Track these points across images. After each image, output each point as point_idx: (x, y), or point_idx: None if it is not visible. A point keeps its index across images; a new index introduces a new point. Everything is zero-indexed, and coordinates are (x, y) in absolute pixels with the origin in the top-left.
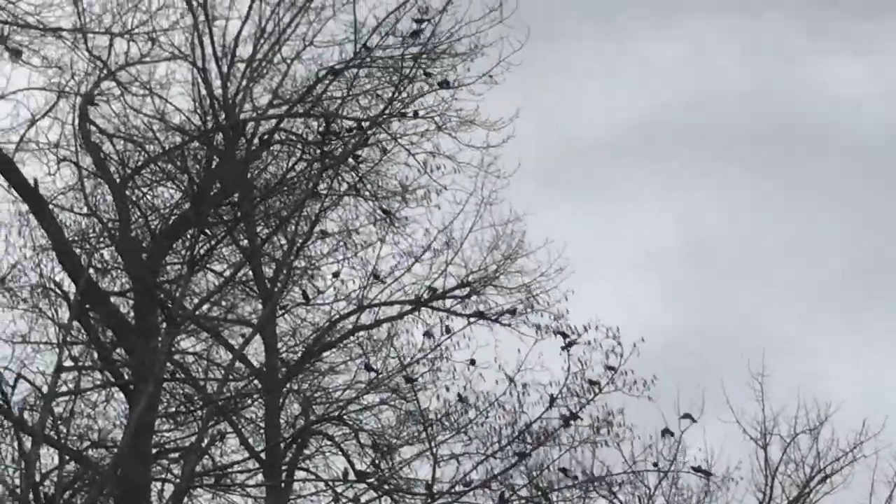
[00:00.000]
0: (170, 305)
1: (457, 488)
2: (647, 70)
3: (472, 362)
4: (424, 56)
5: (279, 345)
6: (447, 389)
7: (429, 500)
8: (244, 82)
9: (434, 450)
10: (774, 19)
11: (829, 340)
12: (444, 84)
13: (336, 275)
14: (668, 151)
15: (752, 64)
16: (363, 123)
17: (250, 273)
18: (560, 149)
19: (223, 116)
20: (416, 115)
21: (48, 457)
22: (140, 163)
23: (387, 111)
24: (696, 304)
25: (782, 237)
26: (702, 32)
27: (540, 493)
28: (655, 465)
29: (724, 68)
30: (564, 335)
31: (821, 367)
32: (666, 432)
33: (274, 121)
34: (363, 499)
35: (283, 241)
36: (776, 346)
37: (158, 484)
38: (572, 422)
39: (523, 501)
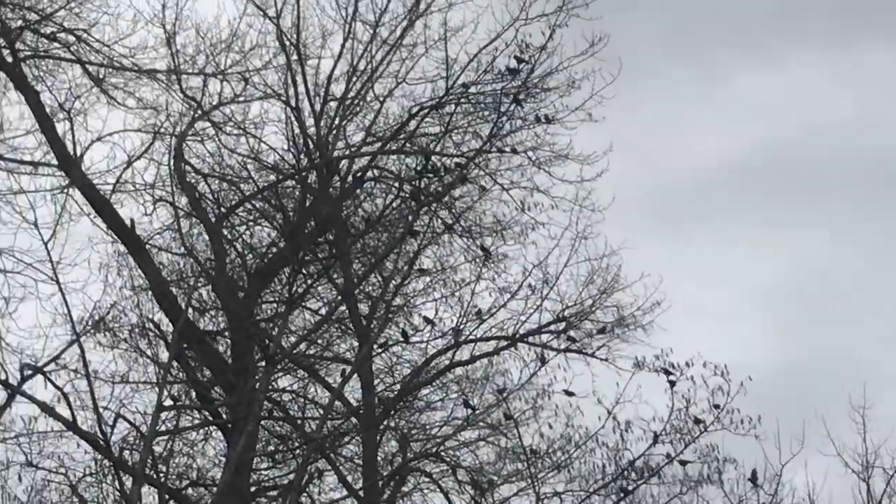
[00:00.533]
0: (267, 344)
1: None
2: (747, 105)
3: (569, 393)
4: (522, 93)
5: (376, 382)
6: (550, 427)
7: None
8: (337, 120)
9: (536, 487)
10: (876, 51)
11: None
12: (546, 119)
13: (429, 321)
14: (770, 188)
15: (855, 98)
16: (461, 161)
17: (346, 311)
18: (660, 186)
19: (317, 155)
20: (514, 150)
21: (148, 496)
22: (235, 202)
23: (484, 148)
24: (800, 340)
25: (886, 272)
26: (803, 65)
27: None
28: None
29: (826, 102)
30: (668, 372)
31: None
32: (753, 479)
33: (367, 158)
34: None
35: (380, 279)
36: (880, 380)
37: None
38: (684, 467)
39: None
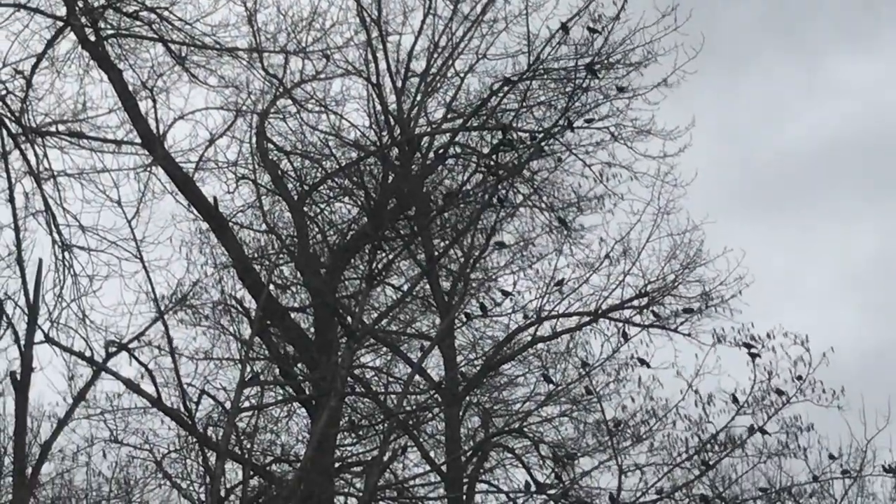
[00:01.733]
0: (349, 320)
1: (643, 498)
2: (841, 86)
3: (642, 361)
4: (597, 64)
5: (458, 358)
6: (633, 400)
7: None
8: (418, 97)
9: (620, 460)
10: None
11: None
12: (619, 89)
13: (506, 293)
14: (865, 168)
15: None
16: (538, 135)
17: (427, 287)
18: (756, 166)
19: (398, 131)
20: (589, 122)
21: (232, 472)
22: (317, 179)
23: (561, 122)
24: (893, 319)
25: None
26: None
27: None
28: (845, 472)
29: None
30: (749, 346)
31: None
32: (832, 457)
33: (449, 134)
34: None
35: (460, 254)
36: None
37: (342, 498)
38: (763, 436)
39: None
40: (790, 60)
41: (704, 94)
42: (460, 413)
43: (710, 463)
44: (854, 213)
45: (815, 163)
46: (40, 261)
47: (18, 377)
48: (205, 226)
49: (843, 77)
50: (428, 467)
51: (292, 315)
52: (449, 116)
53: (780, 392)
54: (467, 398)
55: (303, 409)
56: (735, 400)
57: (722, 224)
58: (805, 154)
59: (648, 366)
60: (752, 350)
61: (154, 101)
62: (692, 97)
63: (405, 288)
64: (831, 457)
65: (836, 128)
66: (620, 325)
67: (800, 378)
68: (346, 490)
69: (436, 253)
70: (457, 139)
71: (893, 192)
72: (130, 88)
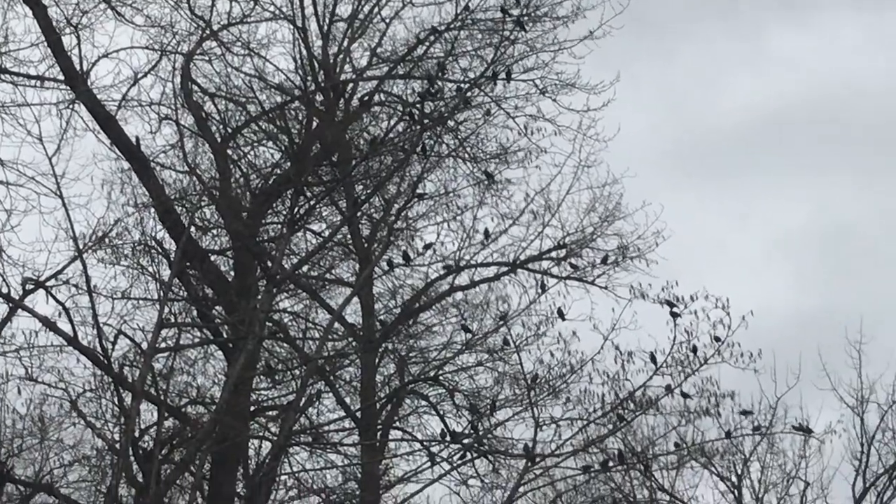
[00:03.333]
0: (269, 264)
1: (557, 452)
2: (779, 61)
3: (560, 313)
4: (526, 17)
5: (376, 305)
6: (552, 355)
7: (528, 464)
8: (345, 42)
9: (536, 413)
10: None
11: None
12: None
13: (428, 247)
14: (802, 140)
15: (888, 56)
16: (463, 86)
17: (348, 233)
18: (693, 137)
19: (323, 77)
20: (508, 75)
21: (147, 412)
22: (241, 122)
23: (487, 73)
24: (823, 285)
25: None
26: (836, 23)
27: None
28: (756, 428)
29: (859, 60)
30: (671, 304)
31: None
32: (746, 413)
33: (374, 82)
34: (459, 460)
35: (382, 202)
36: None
37: (256, 441)
38: (685, 399)
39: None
40: (730, 30)
41: (644, 62)
42: (376, 360)
43: (626, 419)
44: (788, 181)
45: (752, 132)
46: None
47: None
48: (126, 165)
49: (782, 48)
50: (343, 413)
51: (212, 257)
52: (374, 63)
53: (695, 349)
54: (384, 345)
55: (220, 352)
56: (653, 359)
57: (658, 187)
58: (742, 123)
59: (564, 318)
60: (674, 310)
61: (78, 38)
62: (631, 65)
63: (326, 234)
64: (742, 413)
65: (774, 98)
66: (539, 276)
67: (718, 339)
68: (261, 434)
69: (358, 200)
70: (382, 87)
71: (827, 161)
72: (54, 25)
